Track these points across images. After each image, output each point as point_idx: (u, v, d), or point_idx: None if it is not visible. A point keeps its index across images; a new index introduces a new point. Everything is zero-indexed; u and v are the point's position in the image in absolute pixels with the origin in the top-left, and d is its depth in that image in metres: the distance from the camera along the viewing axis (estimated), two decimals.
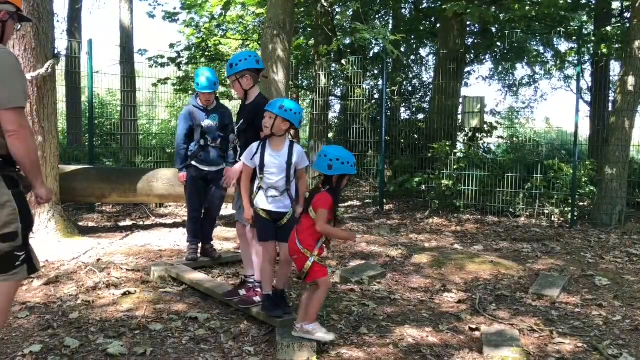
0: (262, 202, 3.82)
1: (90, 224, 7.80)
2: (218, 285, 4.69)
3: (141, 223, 8.07)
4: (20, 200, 2.63)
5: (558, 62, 16.82)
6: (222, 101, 6.23)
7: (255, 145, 3.84)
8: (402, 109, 15.07)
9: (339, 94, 16.24)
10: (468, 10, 9.57)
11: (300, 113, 3.82)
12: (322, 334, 3.53)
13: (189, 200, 5.50)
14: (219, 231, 7.27)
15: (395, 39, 9.04)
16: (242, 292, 4.26)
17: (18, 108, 2.54)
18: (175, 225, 7.87)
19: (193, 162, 5.32)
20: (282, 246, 3.90)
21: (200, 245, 5.53)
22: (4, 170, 2.59)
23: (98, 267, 5.27)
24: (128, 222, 8.10)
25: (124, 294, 4.56)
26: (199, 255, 5.47)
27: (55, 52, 6.38)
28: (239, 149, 4.28)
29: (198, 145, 5.30)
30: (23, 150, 2.55)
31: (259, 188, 3.83)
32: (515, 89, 23.94)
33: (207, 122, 5.30)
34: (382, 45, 9.10)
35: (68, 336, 3.65)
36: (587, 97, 17.38)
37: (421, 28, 15.60)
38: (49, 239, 6.14)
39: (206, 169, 5.34)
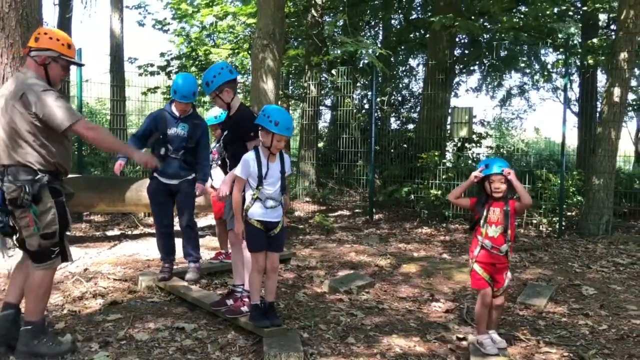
0: (258, 213, 3.79)
1: (78, 234, 7.74)
2: (205, 295, 4.68)
3: (129, 232, 8.02)
4: (60, 207, 3.36)
5: (545, 74, 16.99)
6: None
7: (249, 157, 3.80)
8: (392, 119, 15.16)
9: (329, 104, 16.30)
10: (456, 23, 9.67)
11: None
12: (489, 348, 3.73)
13: (153, 215, 5.17)
14: (207, 240, 7.26)
15: (382, 52, 9.07)
16: (230, 301, 4.25)
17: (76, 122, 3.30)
18: None
19: (155, 174, 4.96)
20: (271, 255, 3.90)
21: (174, 262, 5.17)
22: (50, 183, 3.33)
23: (85, 277, 5.23)
24: (116, 232, 8.05)
25: (111, 304, 4.53)
26: (172, 274, 5.06)
27: None
28: (227, 161, 4.22)
29: (158, 154, 4.84)
30: (98, 144, 3.63)
31: (256, 199, 3.79)
32: (504, 99, 24.12)
33: (173, 130, 4.92)
34: (368, 57, 9.17)
35: None
36: (576, 108, 17.54)
37: (411, 38, 15.73)
38: None
39: (167, 181, 4.95)
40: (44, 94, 3.26)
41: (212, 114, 5.81)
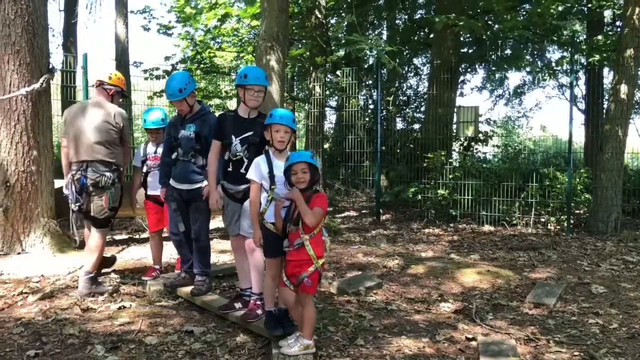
0: (274, 214, 3.72)
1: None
2: (214, 298, 4.67)
3: (137, 236, 8.05)
4: (120, 188, 5.14)
5: (550, 71, 16.92)
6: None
7: (259, 159, 3.77)
8: (398, 119, 15.16)
9: (334, 105, 16.30)
10: (461, 23, 9.64)
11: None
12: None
13: (169, 221, 5.05)
14: (214, 243, 7.26)
15: (391, 49, 9.07)
16: (238, 305, 4.25)
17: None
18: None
19: (170, 180, 4.83)
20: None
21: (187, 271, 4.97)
22: (115, 172, 5.03)
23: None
24: (124, 236, 8.08)
25: (120, 308, 4.54)
26: (181, 283, 4.94)
27: (50, 66, 6.36)
28: (245, 161, 4.10)
29: (172, 159, 4.78)
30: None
31: (271, 200, 3.72)
32: (509, 97, 24.07)
33: (182, 132, 4.70)
34: (376, 56, 9.18)
35: (63, 351, 3.63)
36: (582, 105, 17.47)
37: (415, 38, 15.69)
38: (44, 254, 6.10)
39: (177, 185, 4.73)
40: (124, 118, 5.14)
41: (155, 117, 5.56)
